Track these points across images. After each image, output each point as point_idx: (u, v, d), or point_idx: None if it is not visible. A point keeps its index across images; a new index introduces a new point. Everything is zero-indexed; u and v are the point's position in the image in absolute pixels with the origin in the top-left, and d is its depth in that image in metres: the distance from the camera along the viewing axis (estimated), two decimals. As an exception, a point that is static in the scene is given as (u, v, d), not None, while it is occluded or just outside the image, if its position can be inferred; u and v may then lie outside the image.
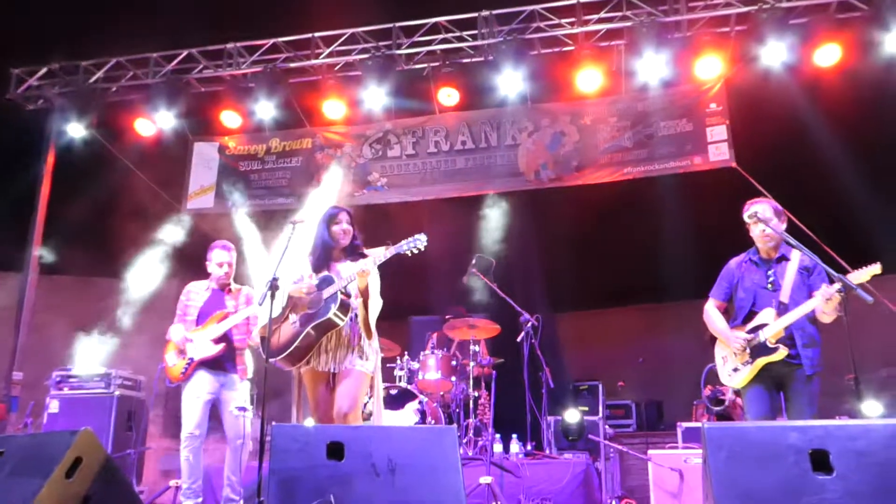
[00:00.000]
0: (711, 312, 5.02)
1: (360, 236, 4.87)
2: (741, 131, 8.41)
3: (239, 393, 5.60)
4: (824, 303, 4.40)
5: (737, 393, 4.96)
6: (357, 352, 4.64)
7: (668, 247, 8.60)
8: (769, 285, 4.73)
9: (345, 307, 4.55)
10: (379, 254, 4.56)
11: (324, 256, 4.80)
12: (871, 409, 7.15)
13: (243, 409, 5.49)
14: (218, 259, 5.80)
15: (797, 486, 2.99)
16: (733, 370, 4.78)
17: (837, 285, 4.27)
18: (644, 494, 6.60)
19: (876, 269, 4.38)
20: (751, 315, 4.77)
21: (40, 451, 3.55)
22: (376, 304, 4.68)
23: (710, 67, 8.37)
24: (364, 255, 4.75)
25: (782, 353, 4.55)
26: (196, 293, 5.84)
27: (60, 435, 3.79)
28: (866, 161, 7.92)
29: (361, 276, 4.44)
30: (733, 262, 5.05)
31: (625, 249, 9.47)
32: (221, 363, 5.57)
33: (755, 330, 4.68)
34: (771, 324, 4.61)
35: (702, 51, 8.24)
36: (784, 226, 4.81)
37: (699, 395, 7.79)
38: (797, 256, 4.72)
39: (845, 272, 4.29)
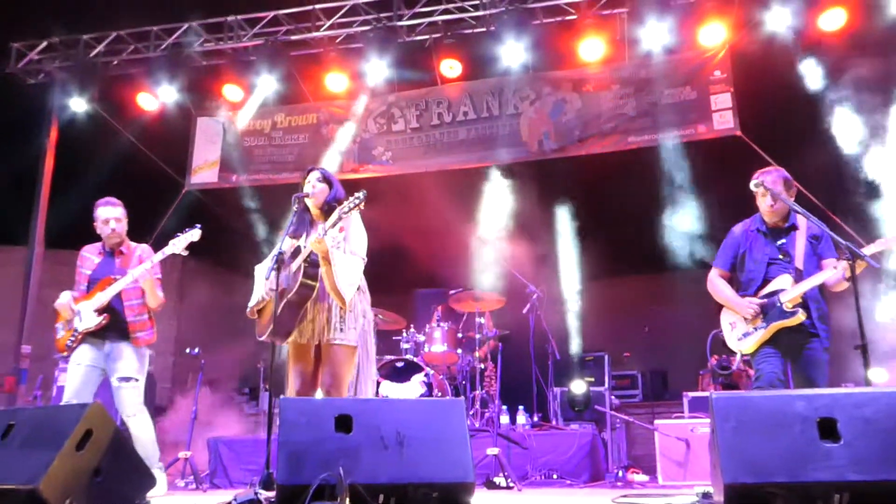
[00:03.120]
0: (717, 282, 4.80)
1: (339, 196, 4.59)
2: (746, 99, 8.32)
3: (125, 362, 5.10)
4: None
5: (745, 362, 4.75)
6: (337, 323, 4.45)
7: (671, 216, 8.58)
8: (782, 256, 4.56)
9: (310, 277, 4.37)
10: (333, 218, 4.29)
11: (300, 220, 4.60)
12: (878, 376, 7.16)
13: (126, 378, 5.07)
14: (103, 216, 5.27)
15: (805, 453, 2.99)
16: (743, 335, 4.57)
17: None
18: (650, 464, 6.65)
19: (887, 243, 4.27)
20: (764, 285, 4.57)
21: (51, 423, 3.56)
22: (350, 266, 4.41)
23: (714, 34, 8.30)
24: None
25: (801, 316, 4.37)
26: (88, 258, 5.37)
27: (71, 408, 3.83)
28: (873, 128, 7.85)
29: (315, 245, 4.28)
30: (738, 228, 4.83)
31: (629, 219, 9.43)
32: (107, 332, 5.13)
33: (771, 295, 4.50)
34: (789, 289, 4.43)
35: (705, 17, 8.15)
36: (793, 196, 4.61)
37: (704, 364, 7.80)
38: (804, 224, 4.58)
39: (856, 243, 4.21)
